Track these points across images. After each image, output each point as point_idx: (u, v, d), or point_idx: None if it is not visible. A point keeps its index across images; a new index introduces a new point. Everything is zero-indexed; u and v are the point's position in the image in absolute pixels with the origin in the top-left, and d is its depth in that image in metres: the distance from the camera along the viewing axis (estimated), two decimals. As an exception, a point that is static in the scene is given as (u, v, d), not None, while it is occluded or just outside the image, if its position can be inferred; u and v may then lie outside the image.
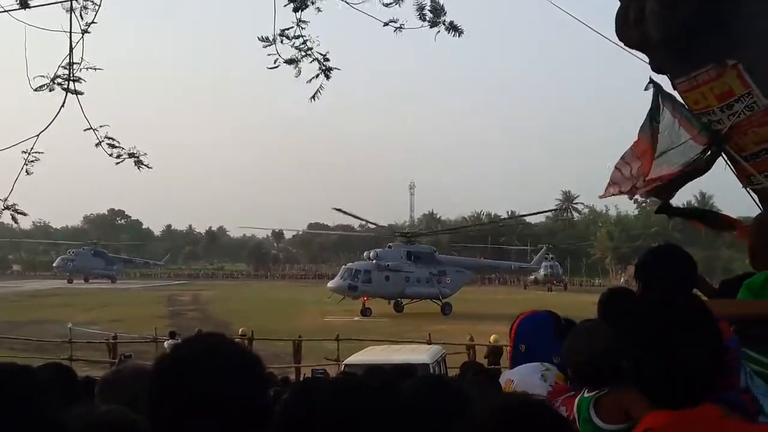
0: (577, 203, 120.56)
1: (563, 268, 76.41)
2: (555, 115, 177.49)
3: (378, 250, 39.95)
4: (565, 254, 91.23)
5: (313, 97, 5.24)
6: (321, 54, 5.16)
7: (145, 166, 4.61)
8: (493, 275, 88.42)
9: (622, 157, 4.50)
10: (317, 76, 5.18)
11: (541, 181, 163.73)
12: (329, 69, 5.22)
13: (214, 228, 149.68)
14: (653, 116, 4.35)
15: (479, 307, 40.82)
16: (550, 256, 71.87)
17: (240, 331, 20.02)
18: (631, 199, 4.76)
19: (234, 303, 44.55)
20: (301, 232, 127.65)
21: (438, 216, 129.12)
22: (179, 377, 1.42)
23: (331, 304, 38.02)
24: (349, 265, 39.74)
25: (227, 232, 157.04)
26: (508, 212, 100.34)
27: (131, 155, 4.71)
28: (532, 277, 72.26)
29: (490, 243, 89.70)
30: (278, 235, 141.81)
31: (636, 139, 4.49)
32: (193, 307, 43.01)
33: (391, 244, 41.76)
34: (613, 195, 4.47)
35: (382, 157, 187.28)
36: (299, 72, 5.13)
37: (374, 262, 38.86)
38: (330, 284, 39.62)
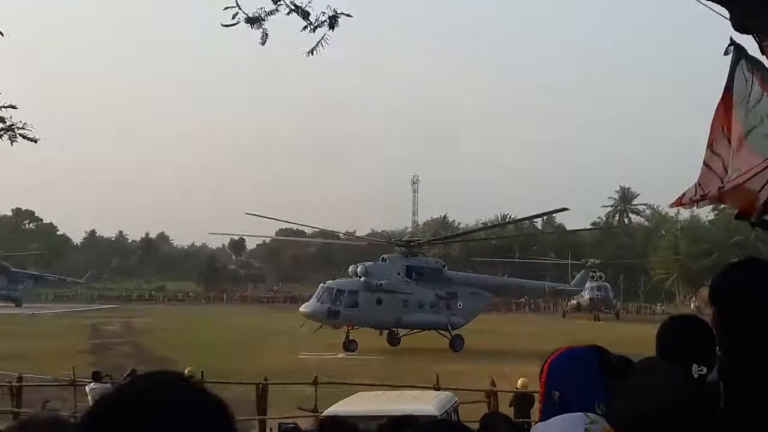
0: (636, 205, 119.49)
1: (614, 291, 77.27)
2: (611, 92, 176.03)
3: (368, 264, 40.25)
4: (617, 272, 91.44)
5: (312, 51, 5.20)
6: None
7: (29, 139, 4.51)
8: (521, 299, 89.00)
9: (710, 147, 4.32)
10: (314, 27, 5.09)
11: (587, 177, 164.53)
12: (336, 17, 5.16)
13: (153, 235, 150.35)
14: (733, 87, 4.32)
15: (502, 342, 41.14)
16: (598, 274, 72.56)
17: (186, 371, 20.11)
18: (719, 203, 4.65)
19: (178, 334, 44.86)
20: (268, 241, 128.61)
21: (451, 221, 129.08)
22: None
23: (305, 336, 38.35)
24: (329, 283, 40.02)
25: (170, 241, 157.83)
26: (542, 218, 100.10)
27: (6, 129, 4.59)
28: (574, 301, 73.02)
29: (518, 256, 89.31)
30: (238, 245, 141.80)
31: (713, 118, 4.45)
32: (124, 340, 43.31)
33: (386, 256, 42.08)
34: (695, 202, 4.26)
35: (376, 144, 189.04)
36: (264, 37, 5.07)
37: (362, 279, 39.25)
38: (303, 308, 39.93)
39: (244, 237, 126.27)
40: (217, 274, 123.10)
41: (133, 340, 42.37)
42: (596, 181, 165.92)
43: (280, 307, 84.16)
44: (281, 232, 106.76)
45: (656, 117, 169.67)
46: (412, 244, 43.78)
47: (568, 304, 74.04)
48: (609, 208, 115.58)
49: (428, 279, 40.44)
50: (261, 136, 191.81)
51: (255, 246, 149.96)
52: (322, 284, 40.45)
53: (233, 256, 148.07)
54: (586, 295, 69.11)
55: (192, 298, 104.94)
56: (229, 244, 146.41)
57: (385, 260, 41.13)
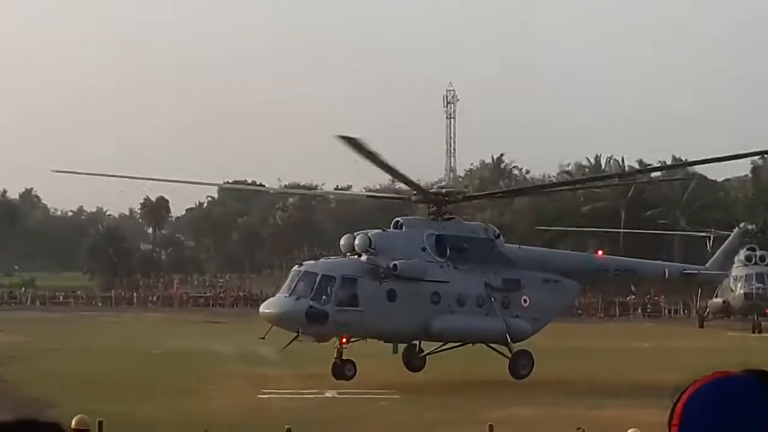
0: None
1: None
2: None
3: (372, 232, 38.40)
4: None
5: None
6: None
7: None
8: (628, 297, 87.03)
9: None
10: None
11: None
12: None
13: (13, 195, 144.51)
14: None
15: (595, 368, 40.32)
16: (758, 253, 67.72)
17: (74, 421, 18.34)
18: None
19: (60, 361, 44.08)
20: (205, 204, 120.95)
21: (509, 165, 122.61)
22: None
23: (270, 356, 38.88)
24: (308, 265, 38.43)
25: (42, 204, 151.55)
26: (660, 161, 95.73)
27: None
28: (718, 300, 68.89)
29: (623, 225, 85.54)
30: (156, 209, 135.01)
31: None
32: None
33: (402, 219, 40.25)
34: None
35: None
36: None
37: (363, 259, 37.35)
38: (267, 307, 38.33)
39: (167, 200, 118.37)
40: (123, 258, 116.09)
41: None
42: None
43: (227, 314, 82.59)
44: (227, 192, 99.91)
45: None
46: (446, 198, 40.82)
47: (709, 304, 70.10)
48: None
49: (473, 258, 38.71)
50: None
51: (184, 211, 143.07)
52: (296, 267, 38.84)
53: (148, 229, 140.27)
54: (738, 289, 64.85)
55: (81, 299, 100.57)
56: (141, 208, 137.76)
57: (401, 226, 39.17)
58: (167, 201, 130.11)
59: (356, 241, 37.83)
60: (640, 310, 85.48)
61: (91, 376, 36.80)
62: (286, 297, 37.10)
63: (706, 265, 57.38)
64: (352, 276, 36.86)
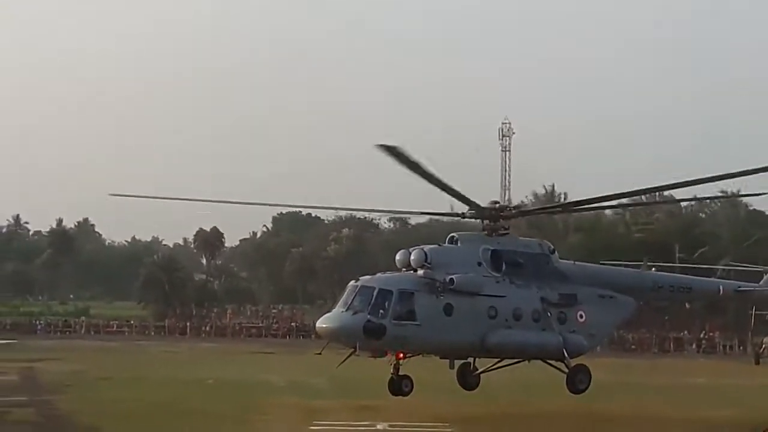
0: None
1: None
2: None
3: (428, 247, 37.14)
4: None
5: None
6: None
7: None
8: (682, 329, 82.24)
9: None
10: None
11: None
12: None
13: (69, 225, 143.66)
14: None
15: (652, 401, 39.77)
16: None
17: None
18: None
19: (114, 390, 43.50)
20: (259, 234, 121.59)
21: (561, 194, 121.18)
22: None
23: (323, 387, 38.57)
24: (365, 280, 36.83)
25: (97, 234, 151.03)
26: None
27: None
28: None
29: (679, 257, 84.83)
30: (210, 240, 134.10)
31: None
32: (27, 398, 41.42)
33: (457, 234, 38.95)
34: None
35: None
36: None
37: (420, 273, 36.07)
38: (323, 322, 36.80)
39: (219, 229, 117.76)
40: (177, 288, 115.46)
41: (44, 400, 40.65)
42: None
43: (281, 345, 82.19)
44: (282, 219, 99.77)
45: None
46: (501, 213, 39.80)
47: (764, 340, 68.95)
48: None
49: (529, 272, 37.75)
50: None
51: (237, 242, 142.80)
52: (353, 282, 37.16)
53: (202, 259, 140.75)
54: None
55: (135, 328, 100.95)
56: (195, 239, 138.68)
57: (456, 241, 38.06)
58: (221, 231, 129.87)
59: (412, 256, 36.83)
60: (694, 346, 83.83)
61: (145, 406, 36.56)
62: (343, 311, 35.79)
63: (760, 282, 54.33)
64: (409, 290, 35.72)
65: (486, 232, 38.50)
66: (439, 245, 37.56)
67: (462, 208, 38.53)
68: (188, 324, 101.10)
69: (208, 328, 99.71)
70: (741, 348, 78.65)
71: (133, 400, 38.42)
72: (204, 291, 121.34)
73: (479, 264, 36.84)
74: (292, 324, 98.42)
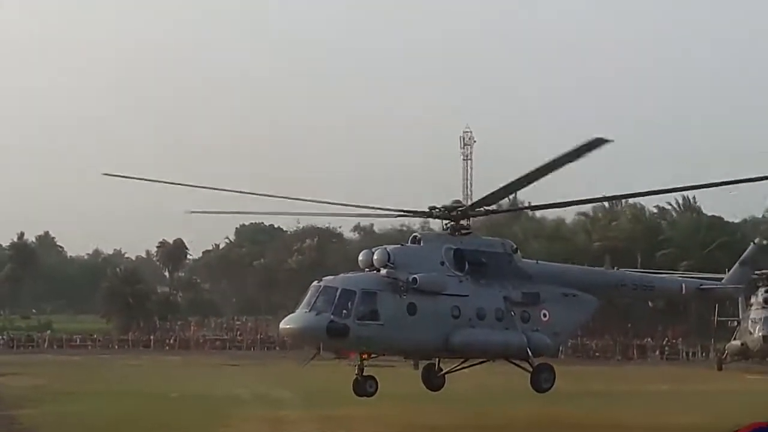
0: None
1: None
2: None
3: (391, 247, 37.15)
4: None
5: None
6: None
7: None
8: (645, 335, 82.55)
9: None
10: None
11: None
12: None
13: (30, 238, 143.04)
14: None
15: (615, 409, 39.94)
16: None
17: None
18: None
19: (78, 404, 43.17)
20: (221, 246, 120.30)
21: (524, 204, 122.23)
22: None
23: (288, 399, 38.24)
24: (328, 280, 36.75)
25: (58, 247, 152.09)
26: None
27: None
28: (736, 342, 67.06)
29: (640, 262, 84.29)
30: (174, 252, 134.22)
31: None
32: None
33: (419, 233, 39.36)
34: None
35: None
36: None
37: (383, 273, 35.96)
38: (286, 323, 36.58)
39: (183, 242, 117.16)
40: (140, 300, 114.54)
41: (5, 415, 40.17)
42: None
43: (246, 356, 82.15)
44: (245, 230, 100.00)
45: None
46: (459, 210, 39.67)
47: (727, 347, 68.56)
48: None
49: (492, 272, 37.53)
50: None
51: (200, 254, 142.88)
52: (315, 282, 36.91)
53: (165, 271, 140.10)
54: (757, 332, 63.05)
55: (98, 341, 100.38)
56: (158, 251, 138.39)
57: (419, 241, 38.00)
58: (184, 243, 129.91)
59: (375, 256, 36.78)
60: (657, 353, 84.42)
61: (108, 420, 36.30)
62: (306, 312, 35.51)
63: (723, 280, 54.70)
64: (373, 290, 35.58)
65: (449, 232, 38.65)
66: (402, 245, 37.57)
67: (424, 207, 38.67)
68: (152, 337, 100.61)
69: (172, 341, 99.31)
70: (704, 354, 79.02)
71: (96, 415, 38.12)
72: (167, 304, 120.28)
73: (442, 263, 36.84)
74: (257, 336, 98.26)
